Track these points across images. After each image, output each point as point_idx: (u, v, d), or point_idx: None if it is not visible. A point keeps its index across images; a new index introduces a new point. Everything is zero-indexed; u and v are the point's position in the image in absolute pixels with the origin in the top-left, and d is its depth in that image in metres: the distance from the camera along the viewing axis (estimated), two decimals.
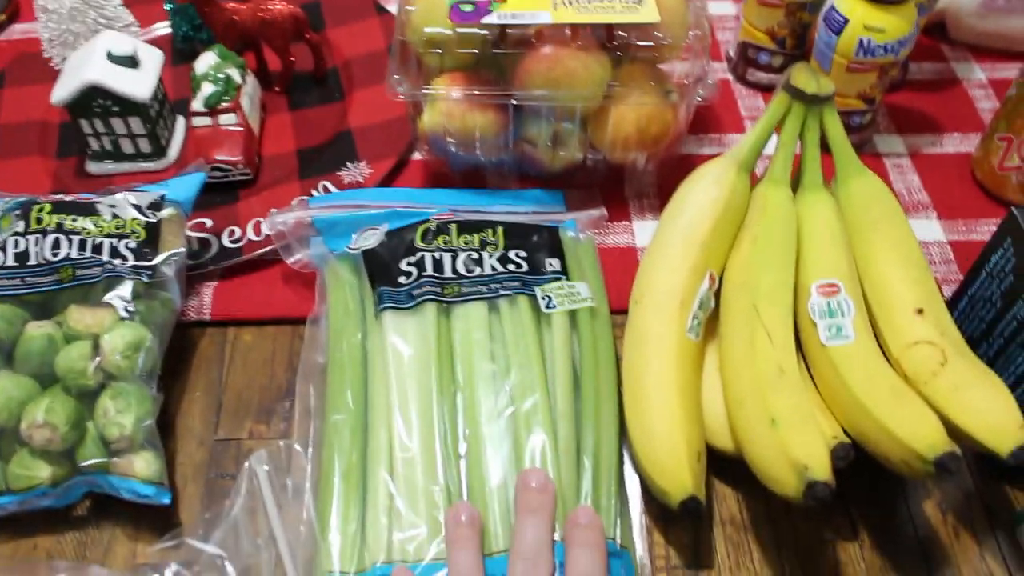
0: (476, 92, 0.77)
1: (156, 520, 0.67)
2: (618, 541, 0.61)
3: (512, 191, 0.84)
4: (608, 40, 0.75)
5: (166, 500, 0.65)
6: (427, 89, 0.78)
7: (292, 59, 0.94)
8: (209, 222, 0.82)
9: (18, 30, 1.09)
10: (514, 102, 0.77)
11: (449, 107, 0.78)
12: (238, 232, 0.81)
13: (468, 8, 0.75)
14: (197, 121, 0.86)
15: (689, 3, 0.79)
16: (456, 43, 0.76)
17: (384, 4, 1.05)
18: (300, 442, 0.67)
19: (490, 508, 0.61)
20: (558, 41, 0.75)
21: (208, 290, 0.80)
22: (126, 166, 0.89)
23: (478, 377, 0.67)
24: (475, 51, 0.76)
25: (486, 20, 0.74)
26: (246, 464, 0.63)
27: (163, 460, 0.66)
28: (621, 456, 0.66)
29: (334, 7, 1.00)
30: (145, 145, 0.87)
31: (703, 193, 0.73)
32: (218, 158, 0.85)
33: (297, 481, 0.64)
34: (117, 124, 0.85)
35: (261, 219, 0.82)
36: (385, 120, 0.90)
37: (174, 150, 0.90)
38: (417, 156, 0.90)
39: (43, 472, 0.65)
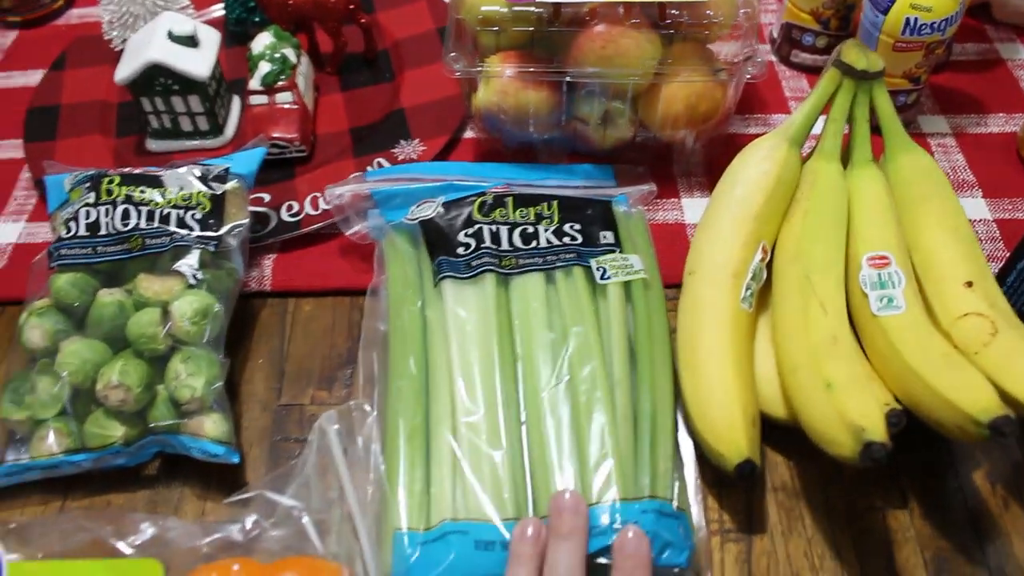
0: (530, 70, 0.79)
1: (223, 480, 0.69)
2: (675, 504, 0.63)
3: (563, 166, 0.86)
4: (660, 19, 0.77)
5: (235, 459, 0.67)
6: (482, 67, 0.80)
7: (344, 41, 0.96)
8: (267, 197, 0.84)
9: (75, 15, 1.12)
10: (567, 79, 0.78)
11: (503, 85, 0.80)
12: (296, 207, 0.83)
13: None
14: (254, 100, 0.88)
15: None
16: (511, 21, 0.78)
17: None
18: (366, 404, 0.69)
19: (551, 471, 0.63)
20: (611, 19, 0.77)
21: (268, 262, 0.82)
22: (184, 143, 0.91)
23: (538, 345, 0.68)
24: (529, 29, 0.78)
25: None
26: (317, 423, 0.65)
27: (231, 422, 0.68)
28: (676, 422, 0.68)
29: None
30: (203, 123, 0.90)
31: (755, 168, 0.74)
32: (275, 135, 0.87)
33: (365, 441, 0.65)
34: (177, 102, 0.88)
35: (318, 194, 0.84)
36: (436, 99, 0.92)
37: (230, 128, 0.93)
38: (469, 134, 0.92)
39: (117, 431, 0.68)
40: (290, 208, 0.83)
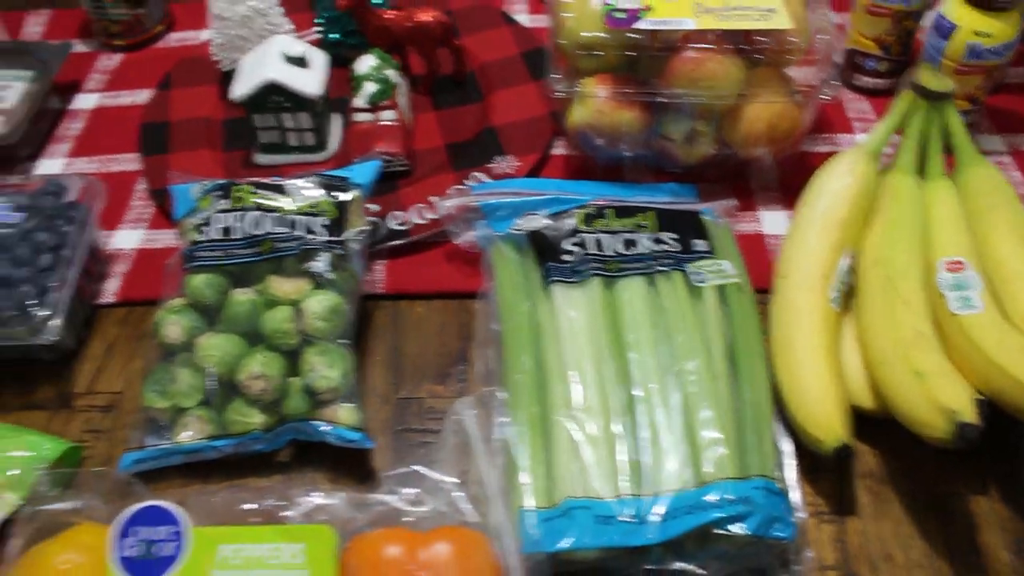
0: (625, 91, 0.85)
1: (352, 466, 0.75)
2: (779, 483, 0.69)
3: (650, 184, 0.92)
4: (746, 45, 0.83)
5: (370, 444, 0.73)
6: (579, 88, 0.87)
7: (438, 63, 1.02)
8: (375, 207, 0.90)
9: (174, 38, 1.19)
10: (661, 100, 0.85)
11: (599, 105, 0.87)
12: (402, 216, 0.90)
13: (621, 15, 0.83)
14: (359, 117, 0.95)
15: (812, 10, 0.87)
16: (609, 46, 0.85)
17: (512, 15, 1.14)
18: (472, 395, 0.76)
19: (664, 453, 0.69)
20: (700, 45, 0.83)
21: (380, 267, 0.88)
22: (290, 157, 0.98)
23: (645, 341, 0.75)
24: (627, 53, 0.84)
25: (640, 26, 0.82)
26: (453, 406, 0.71)
27: (362, 411, 0.74)
28: (773, 412, 0.74)
29: (467, 17, 1.09)
30: (310, 139, 0.96)
31: (839, 181, 0.81)
32: (379, 150, 0.93)
33: (496, 425, 0.72)
34: (287, 119, 0.94)
35: (422, 205, 0.90)
36: (526, 119, 0.99)
37: (333, 144, 0.99)
38: (558, 151, 0.98)
39: (256, 419, 0.74)
40: (397, 217, 0.89)
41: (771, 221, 0.92)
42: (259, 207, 0.82)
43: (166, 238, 0.94)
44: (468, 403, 0.71)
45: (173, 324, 0.77)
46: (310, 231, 0.80)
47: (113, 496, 0.70)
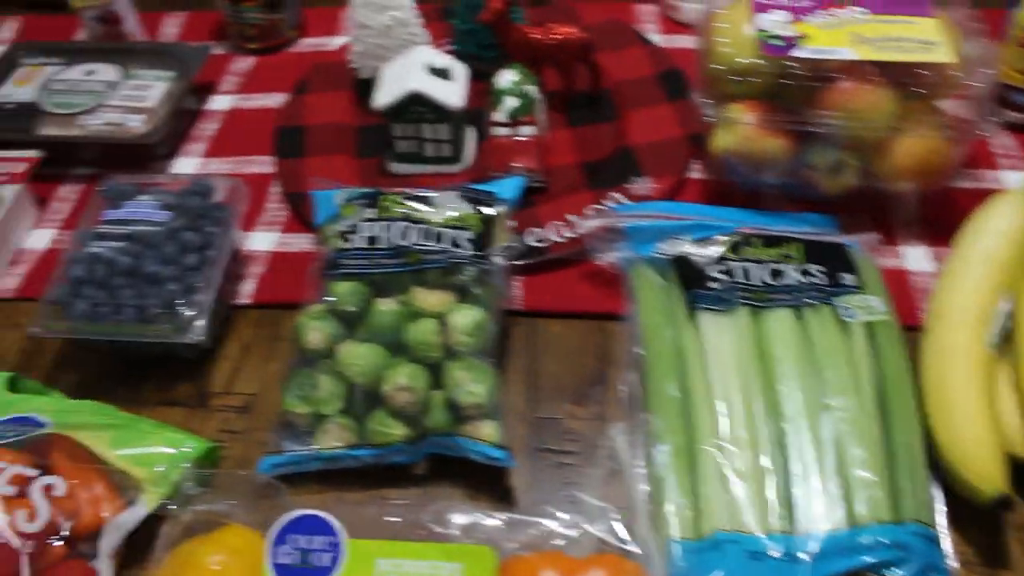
0: (776, 119, 0.84)
1: (490, 484, 0.75)
2: (934, 530, 0.67)
3: (791, 213, 0.91)
4: (904, 77, 0.82)
5: (513, 464, 0.73)
6: (729, 113, 0.85)
7: (575, 79, 1.02)
8: (512, 223, 0.90)
9: (307, 43, 1.20)
10: (811, 129, 0.84)
11: (747, 131, 0.85)
12: (540, 233, 0.89)
13: (778, 43, 0.82)
14: (497, 131, 0.95)
15: (968, 43, 0.85)
16: (762, 73, 0.83)
17: (644, 33, 1.13)
18: (624, 421, 0.75)
19: (815, 492, 0.67)
20: (856, 75, 0.82)
21: (516, 283, 0.88)
22: (426, 168, 0.98)
23: (794, 374, 0.73)
24: (779, 81, 0.83)
25: (797, 54, 0.81)
26: (607, 432, 0.71)
27: (506, 428, 0.74)
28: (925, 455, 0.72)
29: (601, 34, 1.08)
30: (446, 150, 0.96)
31: (1002, 220, 0.79)
32: (517, 165, 0.93)
33: (648, 451, 0.71)
34: (426, 129, 0.95)
35: (559, 222, 0.90)
36: (663, 140, 0.98)
37: (468, 156, 0.99)
38: (694, 174, 0.97)
39: (398, 430, 0.74)
40: (534, 234, 0.89)
41: (914, 257, 0.90)
42: (406, 217, 0.82)
43: (300, 242, 0.94)
44: (621, 429, 0.70)
45: (315, 330, 0.78)
46: (455, 244, 0.80)
47: (255, 499, 0.71)
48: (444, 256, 0.79)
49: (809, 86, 0.84)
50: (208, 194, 0.87)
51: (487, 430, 0.73)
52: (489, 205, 0.83)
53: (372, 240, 0.81)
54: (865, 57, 0.81)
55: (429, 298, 0.78)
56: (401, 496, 0.75)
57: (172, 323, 0.78)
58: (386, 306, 0.78)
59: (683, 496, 0.69)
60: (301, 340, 0.78)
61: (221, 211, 0.86)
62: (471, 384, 0.73)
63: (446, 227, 0.81)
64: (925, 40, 0.82)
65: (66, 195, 1.03)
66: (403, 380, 0.74)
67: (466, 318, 0.76)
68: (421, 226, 0.81)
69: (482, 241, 0.81)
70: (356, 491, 0.75)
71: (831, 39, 0.83)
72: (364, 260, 0.80)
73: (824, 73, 0.83)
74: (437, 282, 0.79)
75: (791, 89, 0.84)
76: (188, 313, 0.79)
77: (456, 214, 0.82)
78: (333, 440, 0.75)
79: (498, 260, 0.81)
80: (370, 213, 0.82)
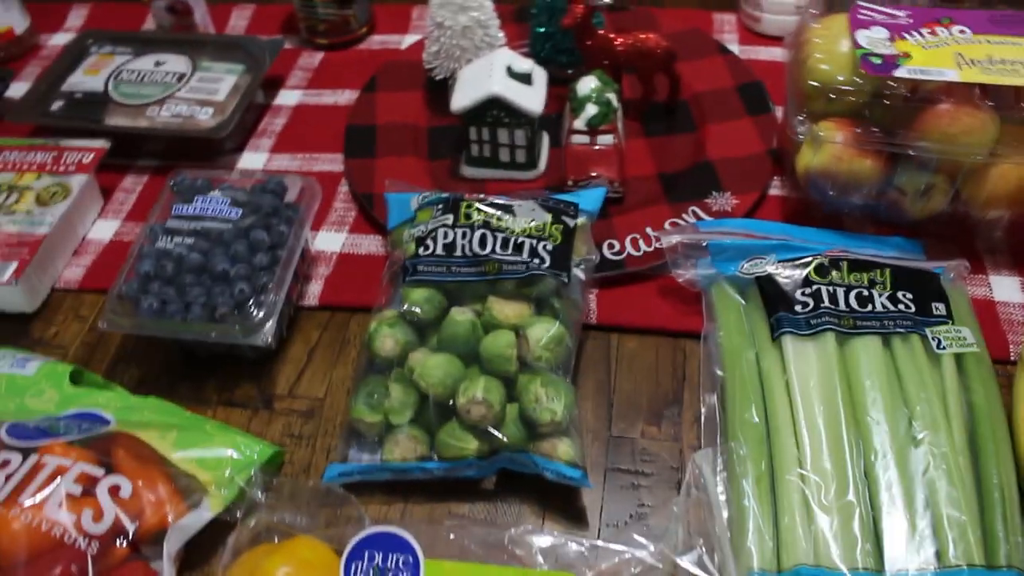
0: (871, 139, 0.81)
1: (562, 503, 0.73)
2: None
3: (876, 236, 0.88)
4: (1016, 101, 0.79)
5: (589, 484, 0.70)
6: (820, 131, 0.83)
7: (655, 88, 1.00)
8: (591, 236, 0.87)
9: (376, 40, 1.19)
10: (906, 152, 0.80)
11: (838, 151, 0.82)
12: (616, 245, 0.87)
13: (877, 61, 0.79)
14: (576, 139, 0.93)
15: None
16: (860, 92, 0.80)
17: (724, 43, 1.11)
18: (708, 447, 0.72)
19: (906, 530, 0.65)
20: (956, 97, 0.79)
21: (592, 296, 0.85)
22: (499, 173, 0.96)
23: (883, 405, 0.71)
24: (880, 100, 0.80)
25: (898, 74, 0.78)
26: (692, 458, 0.68)
27: (582, 447, 0.71)
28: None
29: (680, 42, 1.05)
30: (521, 156, 0.94)
31: None
32: (595, 175, 0.91)
33: (729, 479, 0.68)
34: (502, 134, 0.93)
35: (637, 235, 0.87)
36: (743, 155, 0.95)
37: (542, 163, 0.97)
38: (774, 191, 0.94)
39: (471, 444, 0.71)
40: (611, 247, 0.87)
41: (1002, 287, 0.86)
42: (485, 225, 0.80)
43: (367, 243, 0.92)
44: (706, 456, 0.68)
45: (388, 337, 0.76)
46: (535, 255, 0.78)
47: (323, 508, 0.69)
48: (523, 267, 0.77)
49: (906, 107, 0.80)
50: (281, 192, 0.85)
51: (563, 448, 0.71)
52: (571, 216, 0.81)
53: (449, 247, 0.79)
54: (971, 79, 0.78)
55: (506, 309, 0.76)
56: (470, 511, 0.73)
57: (241, 324, 0.76)
58: (461, 316, 0.76)
59: (765, 527, 0.66)
60: (373, 347, 0.76)
61: (293, 210, 0.84)
62: (549, 401, 0.71)
63: (526, 237, 0.79)
64: None
65: (131, 186, 1.02)
66: (479, 394, 0.71)
67: (545, 332, 0.74)
68: (501, 234, 0.79)
69: (562, 253, 0.79)
70: (422, 503, 0.74)
71: (934, 59, 0.79)
72: (440, 267, 0.78)
73: (923, 94, 0.80)
74: (514, 293, 0.77)
75: (886, 109, 0.82)
76: (258, 314, 0.77)
77: (537, 224, 0.80)
78: (403, 451, 0.73)
79: (578, 273, 0.79)
80: (448, 219, 0.80)
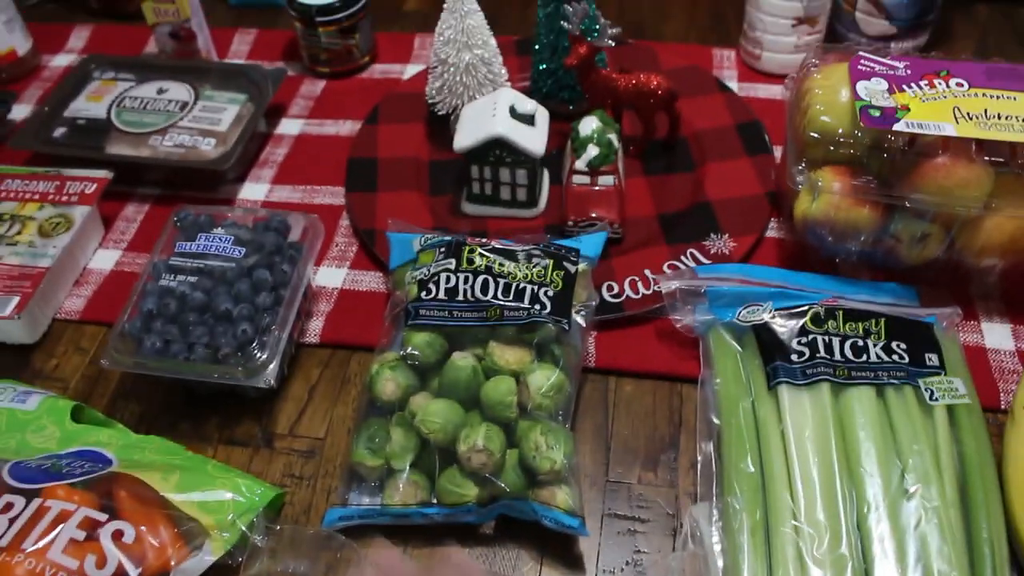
0: (868, 189, 0.82)
1: (559, 549, 0.74)
2: None
3: (870, 282, 0.89)
4: (1011, 158, 0.80)
5: (586, 533, 0.71)
6: (818, 179, 0.84)
7: (656, 127, 1.00)
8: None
9: (378, 70, 1.19)
10: (907, 204, 0.81)
11: (835, 200, 0.84)
12: (616, 288, 0.88)
13: (876, 113, 0.80)
14: (577, 179, 0.93)
15: None
16: (857, 143, 0.82)
17: (726, 82, 1.12)
18: (704, 496, 0.73)
19: None
20: (953, 150, 0.80)
21: (591, 338, 0.86)
22: (499, 211, 0.97)
23: (876, 458, 0.72)
24: (878, 151, 0.81)
25: (898, 127, 0.79)
26: (689, 512, 0.69)
27: (580, 495, 0.72)
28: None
29: (678, 79, 1.06)
30: (522, 194, 0.95)
31: None
32: (594, 215, 0.91)
33: (723, 529, 0.70)
34: (504, 173, 0.93)
35: (635, 277, 0.88)
36: (742, 196, 0.96)
37: (542, 201, 0.98)
38: (771, 233, 0.95)
39: (471, 491, 0.72)
40: (610, 289, 0.88)
41: (994, 334, 0.87)
42: (488, 270, 0.80)
43: (368, 280, 0.93)
44: (704, 511, 0.69)
45: (389, 381, 0.76)
46: (536, 301, 0.79)
47: (323, 552, 0.70)
48: (524, 313, 0.78)
49: (904, 159, 0.82)
50: (284, 231, 0.86)
51: (561, 496, 0.72)
52: (572, 262, 0.82)
53: (451, 292, 0.80)
54: (968, 134, 0.79)
55: (507, 354, 0.77)
56: (469, 555, 0.74)
57: (244, 365, 0.77)
58: (463, 361, 0.76)
59: None
60: (375, 389, 0.77)
61: (296, 249, 0.85)
62: (549, 449, 0.72)
63: (528, 283, 0.80)
64: None
65: (132, 215, 1.02)
66: (480, 441, 0.72)
67: (545, 380, 0.75)
68: (503, 280, 0.80)
69: (563, 299, 0.80)
70: (421, 546, 0.74)
71: (932, 112, 0.81)
72: (443, 311, 0.79)
73: (920, 147, 0.81)
74: (515, 338, 0.78)
75: (884, 160, 0.83)
76: (260, 356, 0.78)
77: (538, 270, 0.81)
78: (403, 496, 0.73)
79: (578, 319, 0.80)
80: (450, 263, 0.81)
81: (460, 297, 0.79)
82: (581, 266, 0.82)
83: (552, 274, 0.81)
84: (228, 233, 0.85)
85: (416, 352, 0.77)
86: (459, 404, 0.76)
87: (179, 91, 1.08)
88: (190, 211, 0.87)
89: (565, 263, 0.82)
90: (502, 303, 0.78)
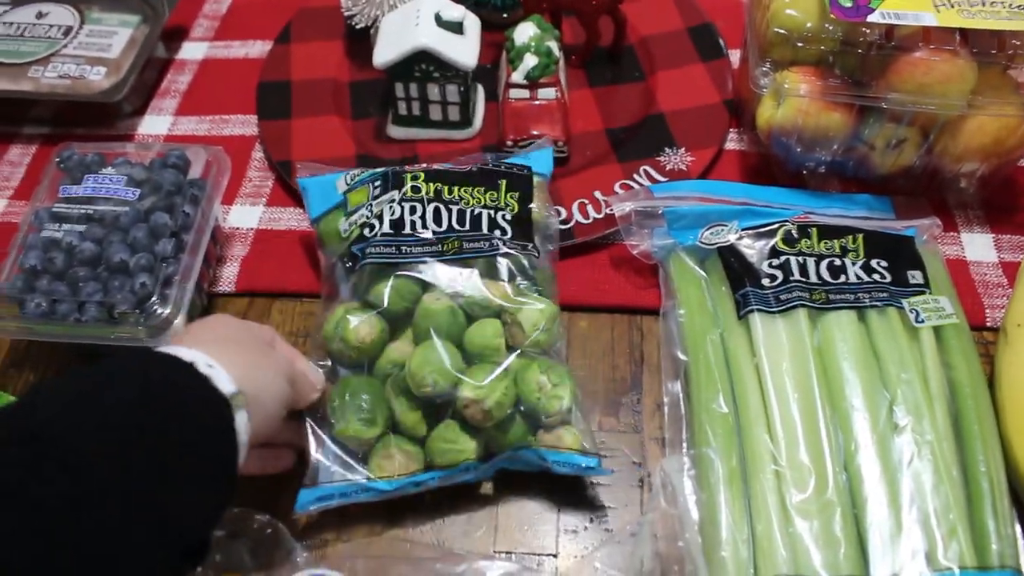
0: (839, 91, 0.74)
1: (511, 508, 0.66)
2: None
3: (842, 195, 0.81)
4: (999, 49, 0.71)
5: (607, 472, 0.65)
6: (783, 82, 0.75)
7: (599, 33, 0.91)
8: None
9: None
10: (883, 105, 0.73)
11: (804, 104, 0.75)
12: (564, 213, 0.79)
13: (848, 4, 0.71)
14: (514, 94, 0.84)
15: None
16: (827, 39, 0.73)
17: None
18: (673, 443, 0.66)
19: (893, 530, 0.59)
20: (933, 43, 0.72)
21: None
22: (430, 132, 0.87)
23: (862, 390, 0.65)
24: (849, 48, 0.73)
25: (872, 18, 0.70)
26: (660, 466, 0.62)
27: (591, 433, 0.65)
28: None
29: None
30: (454, 113, 0.85)
31: None
32: (536, 133, 0.82)
33: (697, 478, 0.63)
34: (432, 90, 0.83)
35: (585, 200, 0.80)
36: (697, 106, 0.88)
37: (478, 120, 0.88)
38: (730, 145, 0.87)
39: (469, 446, 0.63)
40: (558, 214, 0.78)
41: (975, 246, 0.81)
42: (437, 198, 0.70)
43: (288, 217, 0.83)
44: (675, 463, 0.61)
45: (364, 323, 0.65)
46: (495, 226, 0.70)
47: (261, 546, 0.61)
48: (486, 243, 0.68)
49: (879, 55, 0.73)
50: (184, 167, 0.75)
51: (570, 438, 0.63)
52: (526, 179, 0.73)
53: (397, 224, 0.69)
54: (950, 24, 0.70)
55: (487, 289, 0.67)
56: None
57: (145, 324, 0.67)
58: (437, 303, 0.65)
59: (739, 534, 0.60)
60: (347, 338, 0.65)
61: (199, 187, 0.74)
62: (554, 387, 0.63)
63: (483, 208, 0.70)
64: (1017, 3, 0.72)
65: (17, 158, 0.91)
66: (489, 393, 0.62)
67: (538, 313, 0.66)
68: (455, 206, 0.70)
69: (523, 221, 0.71)
70: (382, 529, 0.65)
71: (910, 1, 0.72)
72: (390, 248, 0.68)
73: (897, 40, 0.72)
74: (487, 272, 0.68)
75: (857, 57, 0.74)
76: (163, 311, 0.68)
77: (492, 193, 0.71)
78: (393, 467, 0.63)
79: (547, 243, 0.72)
80: (393, 195, 0.71)
81: (407, 230, 0.69)
82: (536, 181, 0.73)
83: (506, 196, 0.71)
84: (120, 173, 0.74)
85: (379, 299, 0.66)
86: (452, 345, 0.65)
87: (61, 14, 0.95)
88: (75, 150, 0.76)
89: (518, 181, 0.72)
90: (460, 233, 0.69)
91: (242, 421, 0.51)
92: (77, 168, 0.74)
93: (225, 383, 0.51)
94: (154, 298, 0.68)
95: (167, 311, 0.68)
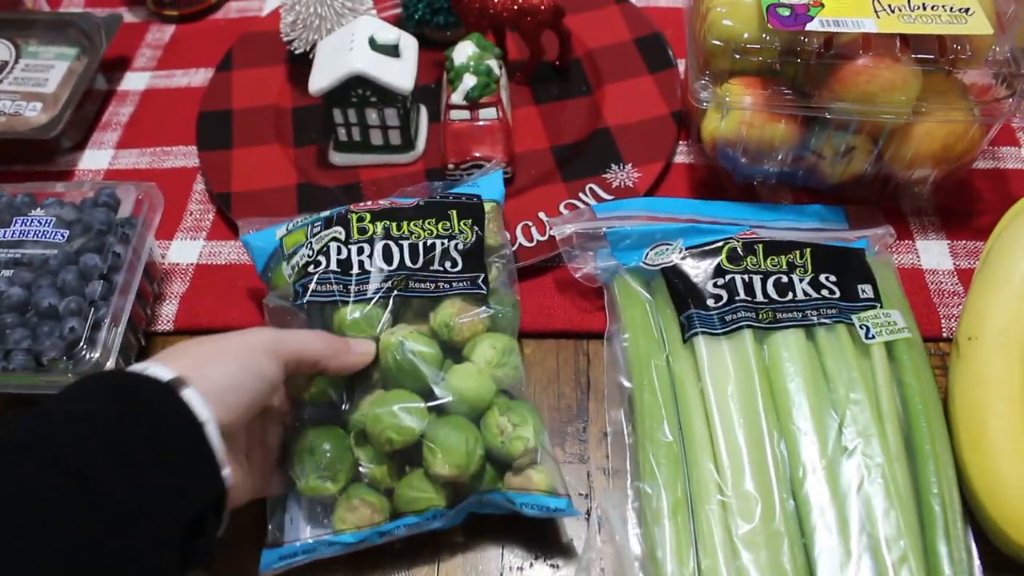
0: (783, 102, 0.72)
1: (453, 547, 0.64)
2: None
3: (793, 206, 0.79)
4: (940, 54, 0.70)
5: (578, 513, 0.62)
6: (725, 94, 0.73)
7: (542, 49, 0.89)
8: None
9: (234, 8, 1.06)
10: (828, 115, 0.71)
11: (747, 116, 0.73)
12: (507, 235, 0.77)
13: (786, 12, 0.70)
14: (455, 115, 0.82)
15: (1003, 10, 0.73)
16: (766, 50, 0.71)
17: None
18: (617, 472, 0.64)
19: (842, 561, 0.57)
20: (876, 50, 0.70)
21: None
22: (372, 157, 0.85)
23: (808, 413, 0.63)
24: (790, 58, 0.71)
25: (811, 27, 0.69)
26: (597, 503, 0.59)
27: (560, 472, 0.62)
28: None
29: None
30: (395, 137, 0.83)
31: None
32: (478, 155, 0.80)
33: (640, 511, 0.61)
34: (371, 114, 0.82)
35: (529, 222, 0.78)
36: (644, 119, 0.86)
37: (420, 143, 0.86)
38: (679, 159, 0.85)
39: (436, 493, 0.60)
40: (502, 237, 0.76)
41: (930, 253, 0.79)
42: (386, 235, 0.68)
43: (228, 251, 0.81)
44: (614, 498, 0.59)
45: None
46: (447, 258, 0.68)
47: None
48: (431, 285, 0.66)
49: (820, 64, 0.71)
50: (114, 205, 0.74)
51: (538, 478, 0.61)
52: (478, 209, 0.71)
53: (344, 264, 0.67)
54: (891, 30, 0.68)
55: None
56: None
57: (74, 370, 0.66)
58: (394, 338, 0.63)
59: (683, 569, 0.58)
60: (299, 391, 0.63)
61: (130, 225, 0.73)
62: (516, 428, 0.61)
63: (436, 238, 0.68)
64: (959, 7, 0.70)
65: None
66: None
67: (490, 347, 0.64)
68: (406, 241, 0.68)
69: (475, 251, 0.68)
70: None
71: (849, 7, 0.70)
72: (339, 286, 0.66)
73: (839, 48, 0.70)
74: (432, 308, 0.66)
75: (799, 66, 0.72)
76: (92, 356, 0.66)
77: (444, 222, 0.69)
78: (358, 518, 0.60)
79: (501, 272, 0.70)
80: (337, 231, 0.68)
81: (356, 270, 0.67)
82: (488, 207, 0.71)
83: (459, 224, 0.69)
84: (48, 215, 0.72)
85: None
86: (415, 394, 0.62)
87: None
88: (4, 191, 0.75)
89: (468, 210, 0.70)
90: (410, 271, 0.66)
91: (192, 396, 0.51)
92: (6, 210, 0.73)
93: (162, 373, 0.51)
94: (82, 343, 0.66)
95: (96, 355, 0.66)
